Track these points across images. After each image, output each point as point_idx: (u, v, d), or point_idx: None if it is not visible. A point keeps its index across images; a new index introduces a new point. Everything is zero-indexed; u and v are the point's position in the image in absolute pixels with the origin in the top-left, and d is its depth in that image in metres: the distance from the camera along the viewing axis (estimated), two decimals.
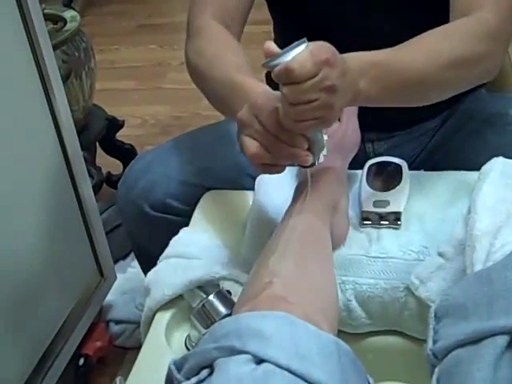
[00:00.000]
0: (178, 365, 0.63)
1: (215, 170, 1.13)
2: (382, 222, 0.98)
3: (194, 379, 0.59)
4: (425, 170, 1.16)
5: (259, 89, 0.84)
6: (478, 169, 0.97)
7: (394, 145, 1.19)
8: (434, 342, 0.61)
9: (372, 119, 1.01)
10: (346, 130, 1.03)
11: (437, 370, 0.58)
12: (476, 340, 0.56)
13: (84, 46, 1.78)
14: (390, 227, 0.97)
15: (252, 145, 0.77)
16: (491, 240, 0.80)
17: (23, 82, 1.17)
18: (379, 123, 1.12)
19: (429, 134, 1.19)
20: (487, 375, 0.52)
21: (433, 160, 1.17)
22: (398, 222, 0.97)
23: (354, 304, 0.93)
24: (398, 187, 1.02)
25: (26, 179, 1.19)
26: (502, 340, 0.54)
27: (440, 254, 0.90)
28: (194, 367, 0.61)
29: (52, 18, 1.79)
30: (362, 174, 1.06)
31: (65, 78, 1.65)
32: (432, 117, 1.17)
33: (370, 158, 1.13)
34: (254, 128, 0.77)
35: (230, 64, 0.93)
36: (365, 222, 0.98)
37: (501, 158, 0.95)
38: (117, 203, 1.19)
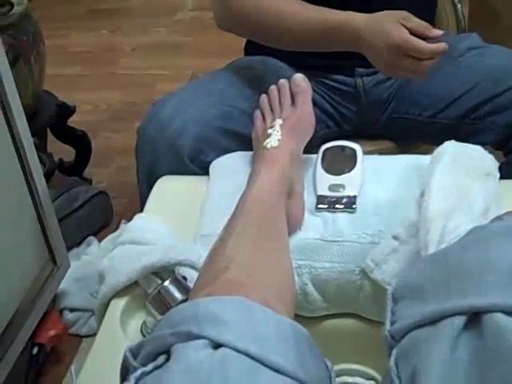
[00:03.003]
0: (134, 351, 0.62)
1: (235, 114, 1.19)
2: (337, 206, 0.98)
3: (151, 365, 0.59)
4: (398, 104, 1.31)
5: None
6: (435, 96, 1.23)
7: (378, 81, 1.30)
8: (392, 323, 0.61)
9: (362, 56, 1.13)
10: (300, 113, 1.03)
11: (394, 351, 0.58)
12: (433, 321, 0.56)
13: (32, 30, 1.74)
14: (345, 211, 0.97)
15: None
16: (444, 222, 0.81)
17: None
18: (367, 59, 1.23)
19: None
20: (445, 356, 0.53)
21: (407, 92, 1.30)
22: (353, 206, 0.98)
23: (311, 288, 0.93)
24: (352, 171, 1.03)
25: None
26: (459, 320, 0.54)
27: (394, 237, 0.91)
28: (151, 353, 0.60)
29: None
30: (316, 158, 1.06)
31: (13, 63, 1.61)
32: None
33: (359, 92, 1.30)
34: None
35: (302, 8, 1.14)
36: (320, 206, 0.98)
37: (453, 142, 0.97)
38: (142, 143, 1.18)
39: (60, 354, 1.54)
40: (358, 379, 0.95)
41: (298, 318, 0.86)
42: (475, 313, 0.54)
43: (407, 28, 1.04)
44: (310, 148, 1.06)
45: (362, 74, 1.29)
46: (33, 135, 1.32)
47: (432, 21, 1.37)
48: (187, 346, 0.58)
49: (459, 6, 1.40)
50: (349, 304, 0.95)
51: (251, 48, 1.38)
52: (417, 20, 1.05)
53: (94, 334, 0.93)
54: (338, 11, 1.11)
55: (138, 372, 0.58)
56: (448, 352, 0.53)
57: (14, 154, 1.27)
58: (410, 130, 1.31)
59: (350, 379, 0.95)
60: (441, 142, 0.97)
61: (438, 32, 1.05)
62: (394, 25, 1.04)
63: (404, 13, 1.06)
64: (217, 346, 0.59)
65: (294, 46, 1.20)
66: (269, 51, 1.28)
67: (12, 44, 1.65)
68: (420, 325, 0.57)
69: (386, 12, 1.08)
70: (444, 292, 0.57)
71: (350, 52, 1.14)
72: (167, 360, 0.59)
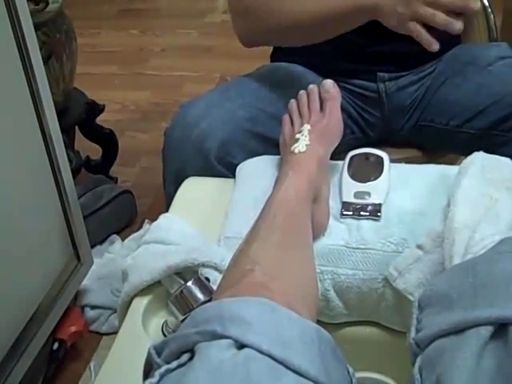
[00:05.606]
0: (158, 349, 0.63)
1: (263, 117, 1.19)
2: (362, 213, 0.98)
3: (175, 363, 0.59)
4: (424, 111, 1.29)
5: None
6: (463, 105, 1.22)
7: (401, 86, 1.30)
8: (417, 331, 0.61)
9: (385, 61, 1.18)
10: (329, 119, 1.03)
11: (419, 359, 0.58)
12: (460, 330, 0.56)
13: (65, 28, 1.76)
14: (369, 218, 0.97)
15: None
16: (470, 233, 0.80)
17: (3, 61, 1.16)
18: (391, 64, 1.28)
19: (427, 77, 1.31)
20: (470, 365, 0.53)
21: (433, 100, 1.29)
22: (378, 214, 0.97)
23: (332, 294, 0.93)
24: (379, 179, 1.03)
25: (3, 161, 1.17)
26: (486, 331, 0.54)
27: (418, 247, 0.90)
28: (175, 351, 0.61)
29: None
30: (343, 164, 1.06)
31: (45, 60, 1.63)
32: (430, 60, 1.30)
33: (382, 97, 1.30)
34: None
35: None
36: (345, 213, 0.98)
37: (481, 153, 0.96)
38: (168, 146, 1.18)
39: (79, 351, 1.55)
40: None
41: (318, 323, 0.86)
42: (502, 323, 0.54)
43: None
44: (335, 154, 1.06)
45: (384, 79, 1.29)
46: (61, 132, 1.34)
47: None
48: (211, 346, 0.58)
49: (492, 16, 1.40)
50: (370, 312, 0.95)
51: (276, 56, 1.39)
52: None
53: (114, 332, 0.94)
54: None
55: (163, 369, 0.58)
56: (473, 361, 0.52)
57: (43, 150, 1.28)
58: (437, 138, 1.30)
59: None
60: (469, 153, 0.97)
61: None
62: None
63: None
64: (241, 346, 0.59)
65: (307, 32, 1.17)
66: (293, 59, 1.29)
67: (45, 41, 1.67)
68: (445, 333, 0.57)
69: None
70: (471, 301, 0.57)
71: (372, 56, 1.14)
72: (191, 358, 0.59)
